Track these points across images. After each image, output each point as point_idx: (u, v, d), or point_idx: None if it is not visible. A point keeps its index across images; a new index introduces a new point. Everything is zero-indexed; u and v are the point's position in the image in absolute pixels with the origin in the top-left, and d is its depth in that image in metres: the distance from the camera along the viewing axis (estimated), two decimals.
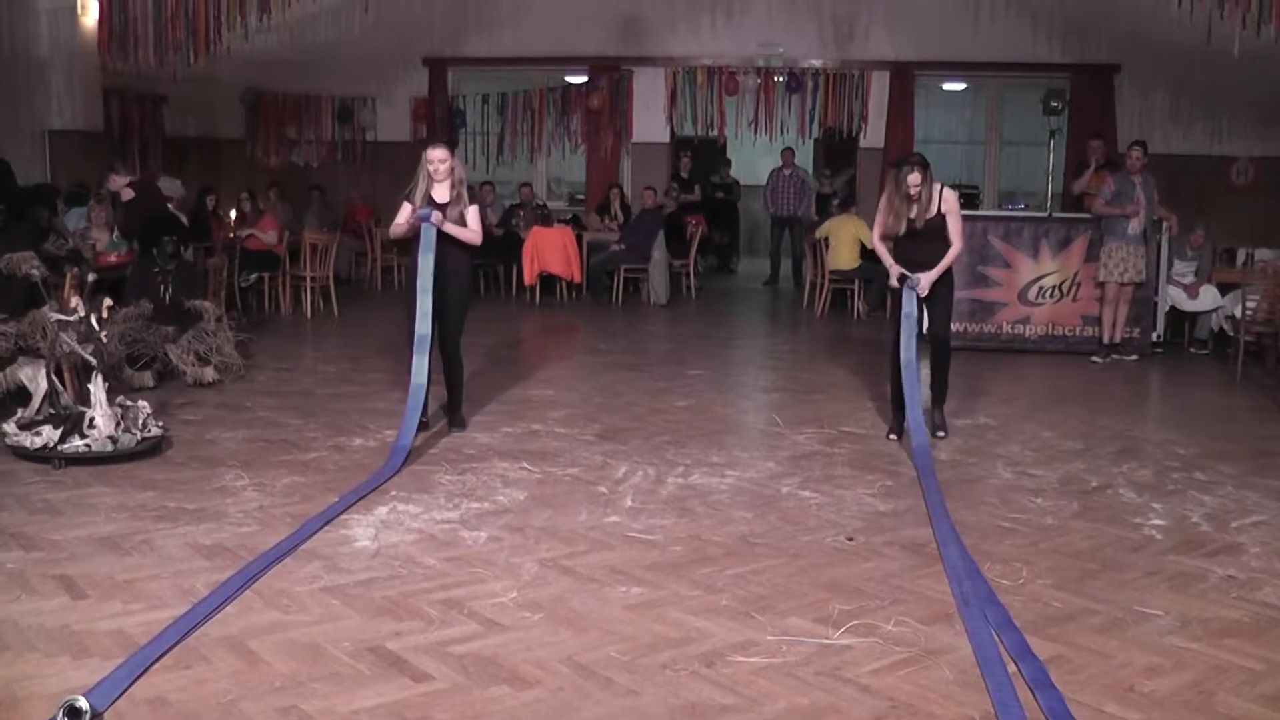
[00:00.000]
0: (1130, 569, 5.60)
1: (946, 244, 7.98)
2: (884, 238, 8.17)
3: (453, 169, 7.94)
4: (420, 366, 7.80)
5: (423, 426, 8.03)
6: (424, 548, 5.72)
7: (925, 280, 7.91)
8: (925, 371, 8.35)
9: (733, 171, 19.87)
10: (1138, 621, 4.91)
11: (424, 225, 7.76)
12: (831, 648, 4.60)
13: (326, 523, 6.02)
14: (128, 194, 12.21)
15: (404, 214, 7.98)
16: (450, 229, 7.86)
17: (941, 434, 8.23)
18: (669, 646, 4.58)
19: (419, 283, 7.79)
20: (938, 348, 8.22)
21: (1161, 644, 4.68)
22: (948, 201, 7.99)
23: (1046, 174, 13.31)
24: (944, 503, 6.51)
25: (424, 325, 7.81)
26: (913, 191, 7.84)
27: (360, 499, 6.46)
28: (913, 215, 7.93)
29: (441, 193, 7.93)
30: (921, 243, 7.98)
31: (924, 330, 8.14)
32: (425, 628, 4.73)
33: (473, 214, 8.02)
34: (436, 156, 7.89)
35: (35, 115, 13.76)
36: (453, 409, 8.39)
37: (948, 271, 8.04)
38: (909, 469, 7.39)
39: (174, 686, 4.15)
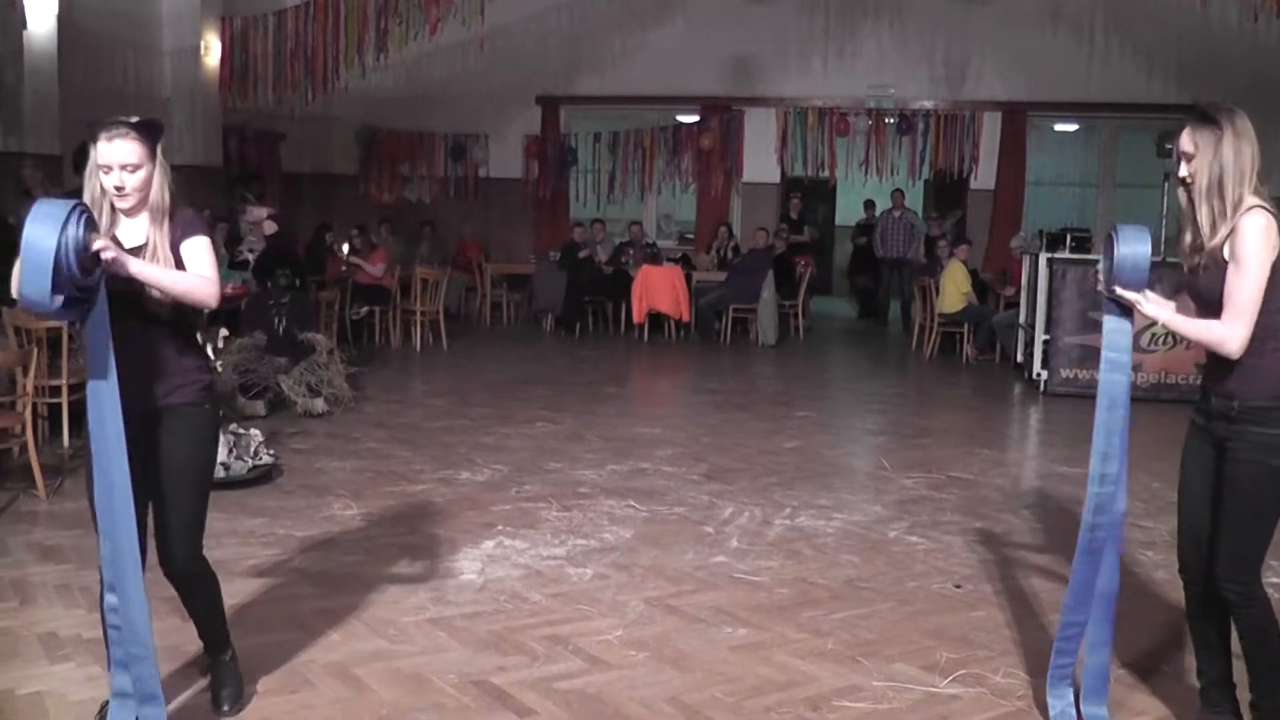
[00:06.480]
0: None
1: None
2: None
3: (149, 185, 3.86)
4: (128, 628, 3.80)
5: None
6: (530, 583, 5.73)
7: (1139, 300, 3.96)
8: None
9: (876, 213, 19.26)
10: None
11: (62, 285, 3.36)
12: (938, 696, 4.53)
13: None
14: (270, 227, 12.44)
15: None
16: (141, 270, 3.67)
17: None
18: (774, 689, 4.53)
19: (93, 430, 3.64)
20: (1226, 600, 3.98)
21: None
22: (1237, 238, 3.79)
23: (1160, 217, 13.07)
24: None
25: (121, 532, 3.71)
26: (1181, 169, 3.98)
27: None
28: (1200, 233, 3.94)
29: (133, 231, 3.90)
30: (1200, 292, 3.99)
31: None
32: (530, 663, 4.73)
33: (196, 249, 3.92)
34: (117, 158, 3.78)
35: None
36: (217, 676, 4.29)
37: (1248, 471, 3.88)
38: (1019, 516, 7.27)
39: (281, 711, 4.21)
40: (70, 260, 3.31)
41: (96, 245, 3.41)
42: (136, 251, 3.75)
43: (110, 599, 3.79)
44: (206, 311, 4.12)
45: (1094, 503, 4.04)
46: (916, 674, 4.73)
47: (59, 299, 3.34)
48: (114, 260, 3.50)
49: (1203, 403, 4.07)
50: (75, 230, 3.33)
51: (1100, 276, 4.06)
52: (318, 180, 18.89)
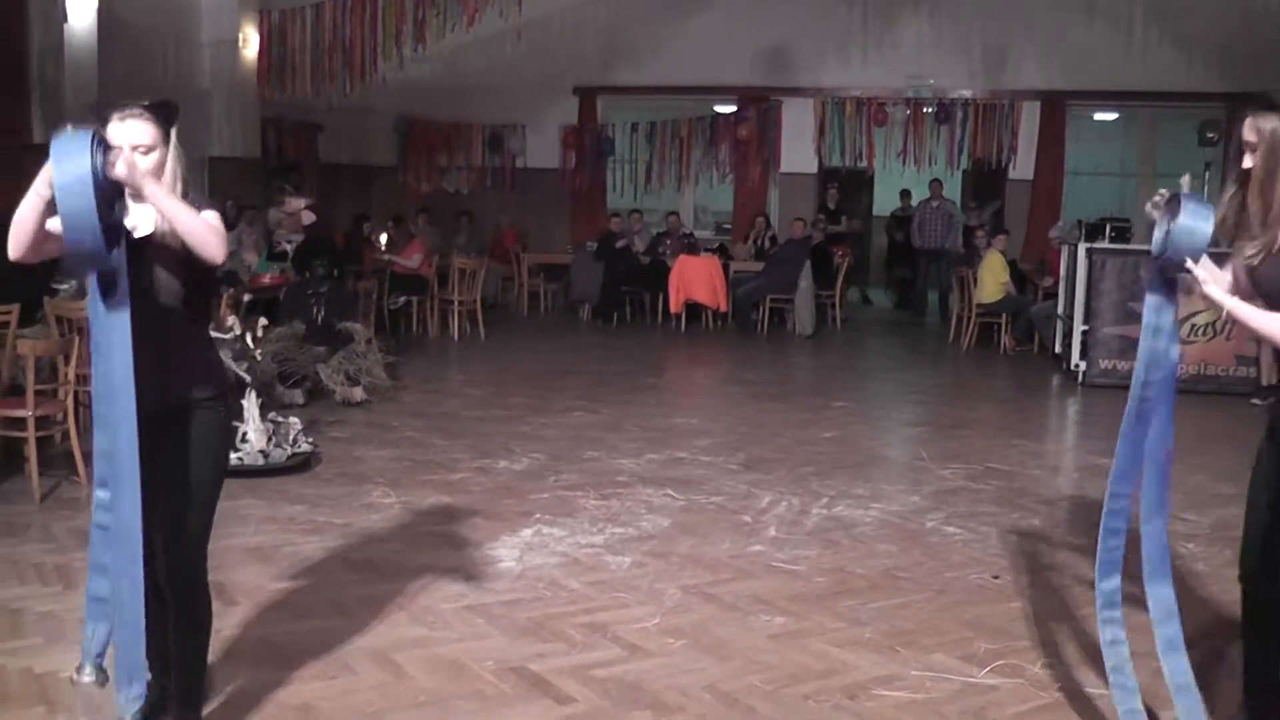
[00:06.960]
0: None
1: None
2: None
3: (161, 168, 3.64)
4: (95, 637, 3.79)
5: None
6: (568, 571, 5.75)
7: (1203, 281, 3.64)
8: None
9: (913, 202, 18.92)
10: None
11: (69, 219, 3.20)
12: (976, 687, 4.53)
13: None
14: (309, 217, 12.50)
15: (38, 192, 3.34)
16: (155, 193, 3.46)
17: None
18: (812, 678, 4.54)
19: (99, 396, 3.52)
20: None
21: None
22: None
23: None
24: None
25: (121, 429, 3.44)
26: (1245, 160, 3.68)
27: None
28: (1253, 233, 3.68)
29: (143, 217, 3.56)
30: (1260, 286, 3.68)
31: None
32: (568, 650, 4.75)
33: (205, 218, 3.60)
34: (129, 139, 3.55)
35: (196, 143, 14.19)
36: (179, 705, 3.83)
37: None
38: (1057, 508, 7.25)
39: (321, 695, 4.25)
40: (99, 182, 3.18)
41: (111, 156, 3.26)
42: (147, 239, 3.53)
43: (101, 495, 3.55)
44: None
45: (1146, 358, 3.86)
46: (955, 664, 4.73)
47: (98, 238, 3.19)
48: (128, 175, 3.32)
49: (1272, 409, 3.74)
50: (99, 156, 3.20)
51: (1153, 245, 3.74)
52: (356, 171, 18.96)
